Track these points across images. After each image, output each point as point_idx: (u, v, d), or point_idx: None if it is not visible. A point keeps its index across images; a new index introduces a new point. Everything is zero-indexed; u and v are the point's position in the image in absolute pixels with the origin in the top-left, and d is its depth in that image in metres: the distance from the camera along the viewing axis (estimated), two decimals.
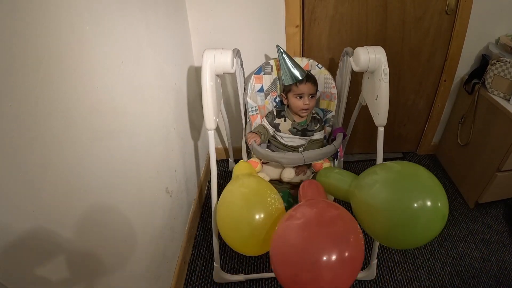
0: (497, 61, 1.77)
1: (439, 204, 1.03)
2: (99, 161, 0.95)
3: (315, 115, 1.79)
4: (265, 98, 1.83)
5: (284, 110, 1.77)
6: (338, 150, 1.61)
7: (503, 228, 1.93)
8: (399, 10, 1.86)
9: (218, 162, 1.54)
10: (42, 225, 0.72)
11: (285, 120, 1.75)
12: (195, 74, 2.01)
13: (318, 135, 1.77)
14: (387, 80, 1.38)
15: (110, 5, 1.02)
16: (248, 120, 1.79)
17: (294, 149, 1.77)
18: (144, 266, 1.27)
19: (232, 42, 1.90)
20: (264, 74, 1.78)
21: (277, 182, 1.75)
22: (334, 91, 1.76)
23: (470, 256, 1.78)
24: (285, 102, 1.77)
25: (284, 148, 1.77)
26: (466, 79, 2.02)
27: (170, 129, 1.55)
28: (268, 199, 1.26)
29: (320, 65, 1.77)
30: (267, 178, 1.71)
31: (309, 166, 1.73)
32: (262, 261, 1.76)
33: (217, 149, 1.48)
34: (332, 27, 1.91)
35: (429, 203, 1.02)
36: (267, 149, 1.68)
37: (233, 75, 1.87)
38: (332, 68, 1.98)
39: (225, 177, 2.31)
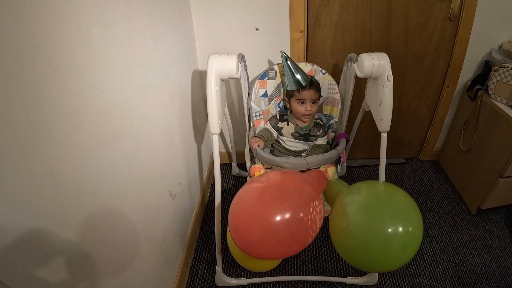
0: (500, 67, 1.78)
1: (411, 229, 0.99)
2: (104, 163, 0.96)
3: (318, 120, 1.79)
4: (269, 103, 1.84)
5: (287, 114, 1.78)
6: (341, 155, 1.61)
7: (505, 234, 1.93)
8: (403, 16, 1.87)
9: (221, 166, 1.54)
10: (46, 226, 0.73)
11: (288, 124, 1.76)
12: (199, 78, 2.02)
13: (321, 141, 1.77)
14: (391, 86, 1.38)
15: (117, 9, 1.03)
16: (251, 125, 1.80)
17: (297, 154, 1.77)
18: (146, 269, 1.28)
19: (236, 47, 1.92)
20: (268, 79, 1.79)
21: None
22: (338, 96, 1.77)
23: (472, 262, 1.78)
24: (288, 106, 1.78)
25: (287, 153, 1.77)
26: (469, 85, 2.03)
27: (174, 132, 1.56)
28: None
29: (324, 71, 1.78)
30: None
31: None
32: None
33: (220, 153, 1.48)
34: (336, 32, 1.92)
35: (400, 228, 0.98)
36: (270, 154, 1.69)
37: (237, 80, 1.89)
38: (336, 73, 1.99)
39: (228, 181, 2.32)
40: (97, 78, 0.92)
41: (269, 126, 1.78)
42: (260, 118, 1.82)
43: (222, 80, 1.47)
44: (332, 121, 1.83)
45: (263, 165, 1.72)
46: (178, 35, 1.65)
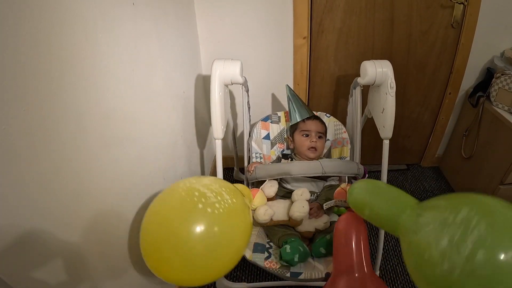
0: (502, 74, 1.78)
1: None
2: (108, 166, 0.97)
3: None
4: (271, 148, 1.79)
5: (291, 154, 1.72)
6: (365, 170, 1.49)
7: None
8: (406, 24, 1.88)
9: (223, 170, 1.55)
10: (49, 227, 0.73)
11: (292, 161, 1.67)
12: (202, 83, 2.03)
13: (334, 181, 1.64)
14: (394, 93, 1.39)
15: (123, 14, 1.04)
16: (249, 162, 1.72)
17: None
18: (147, 271, 1.28)
19: (240, 52, 1.93)
20: (271, 122, 1.77)
21: (285, 228, 1.45)
22: (346, 135, 1.74)
23: None
24: (291, 146, 1.74)
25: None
26: (470, 92, 2.03)
27: (177, 136, 1.56)
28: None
29: (328, 114, 1.78)
30: (270, 211, 1.40)
31: (326, 209, 1.44)
32: (265, 270, 1.76)
33: (222, 158, 1.49)
34: (339, 39, 1.93)
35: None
36: (272, 163, 1.64)
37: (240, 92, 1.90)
38: (339, 80, 2.01)
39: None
40: (102, 82, 0.93)
41: None
42: (260, 160, 1.71)
43: (226, 85, 1.48)
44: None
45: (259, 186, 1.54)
46: (183, 40, 1.67)
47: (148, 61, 1.24)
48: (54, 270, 0.77)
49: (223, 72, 1.40)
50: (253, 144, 1.72)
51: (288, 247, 1.27)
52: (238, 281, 1.71)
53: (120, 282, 1.08)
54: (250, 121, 1.79)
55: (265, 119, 1.77)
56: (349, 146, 1.73)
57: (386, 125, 1.44)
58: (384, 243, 1.83)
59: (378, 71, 1.41)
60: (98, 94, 0.90)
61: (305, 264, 1.31)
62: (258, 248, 1.39)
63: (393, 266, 1.78)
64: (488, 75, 1.95)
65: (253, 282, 1.70)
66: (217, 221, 0.91)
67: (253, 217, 1.35)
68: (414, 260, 0.76)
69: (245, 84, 1.58)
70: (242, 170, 2.22)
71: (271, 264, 1.32)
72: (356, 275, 1.08)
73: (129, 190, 1.12)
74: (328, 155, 1.79)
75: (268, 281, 1.70)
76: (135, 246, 1.18)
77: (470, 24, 1.86)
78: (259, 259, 1.34)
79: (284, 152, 1.77)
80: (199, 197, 0.92)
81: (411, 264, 0.78)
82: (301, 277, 1.25)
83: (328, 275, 1.23)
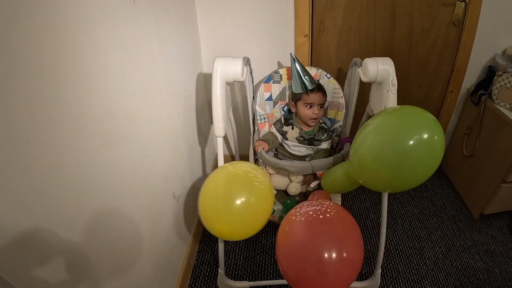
0: (504, 72, 1.78)
1: (436, 137, 1.02)
2: (109, 165, 0.97)
3: (322, 124, 1.79)
4: (274, 107, 1.84)
5: (292, 118, 1.77)
6: (346, 159, 1.61)
7: (508, 240, 1.92)
8: (407, 22, 1.88)
9: None
10: (49, 226, 0.73)
11: (292, 128, 1.75)
12: (203, 81, 2.03)
13: (325, 145, 1.76)
14: (395, 91, 1.39)
15: (124, 12, 1.04)
16: (256, 128, 1.80)
17: (301, 158, 1.77)
18: (149, 270, 1.28)
19: (241, 50, 1.93)
20: (273, 82, 1.79)
21: (283, 193, 1.76)
22: (342, 101, 1.77)
23: (474, 267, 1.78)
24: (293, 110, 1.78)
25: (291, 157, 1.77)
26: (472, 90, 2.03)
27: (178, 135, 1.56)
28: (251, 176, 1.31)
29: (328, 75, 1.78)
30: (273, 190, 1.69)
31: (315, 176, 1.72)
32: (267, 268, 1.77)
33: (224, 156, 1.49)
34: (340, 37, 1.93)
35: (424, 136, 1.02)
36: (275, 158, 1.68)
37: (241, 83, 1.89)
38: (340, 77, 2.00)
39: None
40: (103, 80, 0.93)
41: (273, 130, 1.78)
42: (264, 121, 1.82)
43: (227, 83, 1.48)
44: (336, 125, 1.83)
45: (266, 168, 1.72)
46: (184, 38, 1.66)
47: (149, 59, 1.24)
48: (55, 269, 0.77)
49: (225, 70, 1.40)
50: (257, 108, 1.78)
51: (284, 215, 1.46)
52: (240, 280, 1.71)
53: (121, 281, 1.08)
54: (254, 115, 1.80)
55: (267, 80, 1.78)
56: (343, 111, 1.78)
57: None
58: (385, 242, 1.84)
59: (379, 68, 1.41)
60: (99, 91, 0.90)
61: None
62: None
63: (394, 265, 1.78)
64: (490, 73, 1.94)
65: (254, 280, 1.70)
66: (265, 194, 1.31)
67: None
68: (367, 169, 1.14)
69: (248, 75, 1.60)
70: None
71: (274, 217, 1.66)
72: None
73: (131, 189, 1.12)
74: (325, 114, 1.86)
75: (269, 279, 1.70)
76: (137, 244, 1.18)
77: (472, 22, 1.85)
78: None
79: (285, 117, 1.81)
80: (253, 176, 1.31)
81: (366, 175, 1.17)
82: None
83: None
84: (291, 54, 1.63)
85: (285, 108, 1.88)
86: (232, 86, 2.07)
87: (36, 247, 0.70)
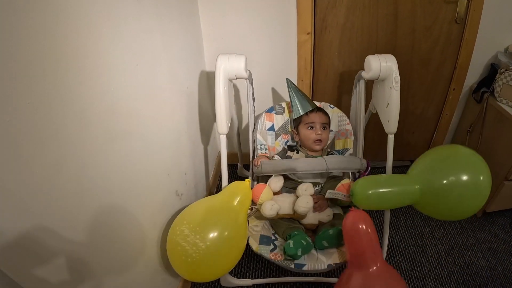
0: (506, 70, 1.78)
1: (481, 178, 1.18)
2: (112, 161, 0.96)
3: (331, 152, 1.70)
4: (276, 139, 1.79)
5: (296, 146, 1.72)
6: (368, 163, 1.51)
7: (510, 238, 1.92)
8: (409, 19, 1.88)
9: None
10: (52, 223, 0.73)
11: (297, 153, 1.68)
12: (206, 79, 2.03)
13: (338, 173, 1.61)
14: (398, 88, 1.39)
15: (127, 9, 1.04)
16: (255, 158, 1.68)
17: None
18: (152, 268, 1.28)
19: (243, 48, 1.93)
20: (275, 113, 1.77)
21: (289, 221, 1.49)
22: (349, 127, 1.74)
23: (476, 265, 1.78)
24: (296, 139, 1.74)
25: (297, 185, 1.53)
26: (474, 88, 2.03)
27: (181, 132, 1.56)
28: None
29: (332, 106, 1.78)
30: (276, 206, 1.42)
31: (330, 201, 1.51)
32: (270, 266, 1.76)
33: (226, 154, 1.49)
34: (343, 35, 1.93)
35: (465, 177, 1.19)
36: (278, 159, 1.64)
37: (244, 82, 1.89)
38: (343, 77, 2.01)
39: (233, 181, 2.31)
40: (106, 76, 0.93)
41: (277, 157, 1.66)
42: (265, 152, 1.72)
43: (230, 80, 1.48)
44: (346, 154, 1.73)
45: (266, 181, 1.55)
46: (186, 36, 1.66)
47: (152, 57, 1.24)
48: (58, 266, 0.77)
49: (228, 67, 1.40)
50: (258, 136, 1.72)
51: (291, 242, 1.32)
52: (242, 277, 1.71)
53: (124, 278, 1.08)
54: (254, 112, 1.78)
55: (270, 110, 1.77)
56: (352, 137, 1.73)
57: (391, 120, 1.44)
58: (388, 239, 1.83)
59: (382, 65, 1.41)
60: (102, 88, 0.90)
61: (308, 256, 1.36)
62: (264, 240, 1.43)
63: (398, 262, 1.78)
64: (492, 71, 1.94)
65: (257, 278, 1.70)
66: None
67: (260, 211, 1.44)
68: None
69: (249, 77, 1.58)
70: (245, 166, 2.22)
71: (276, 256, 1.36)
72: (371, 269, 1.15)
73: (134, 186, 1.11)
74: (332, 146, 1.79)
75: (271, 277, 1.70)
76: (139, 242, 1.18)
77: (474, 19, 1.85)
78: (265, 251, 1.38)
79: (289, 144, 1.77)
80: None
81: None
82: (305, 268, 1.31)
83: (330, 266, 1.30)
84: (287, 79, 1.63)
85: (288, 143, 1.82)
86: (235, 85, 2.07)
87: (38, 244, 0.70)
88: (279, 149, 1.79)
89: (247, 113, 1.71)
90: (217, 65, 1.39)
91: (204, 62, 2.01)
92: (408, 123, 2.27)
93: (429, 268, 1.75)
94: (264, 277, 1.71)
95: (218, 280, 1.67)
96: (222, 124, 1.43)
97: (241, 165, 2.28)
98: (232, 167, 2.41)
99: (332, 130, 1.74)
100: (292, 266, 1.32)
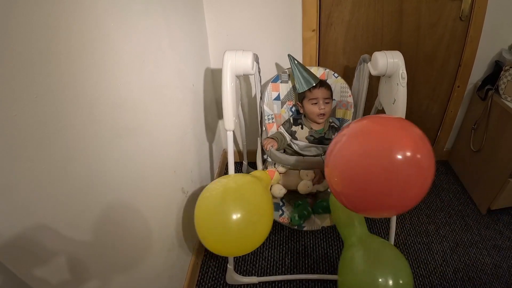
0: (510, 67, 1.78)
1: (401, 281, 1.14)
2: (118, 157, 0.96)
3: (332, 124, 1.78)
4: (282, 107, 1.83)
5: (301, 119, 1.77)
6: None
7: None
8: (414, 16, 1.88)
9: None
10: (60, 219, 0.72)
11: (302, 128, 1.75)
12: (211, 76, 2.03)
13: None
14: (405, 84, 1.39)
15: (135, 4, 1.04)
16: (264, 129, 1.79)
17: None
18: (158, 265, 1.28)
19: (248, 45, 1.93)
20: (281, 82, 1.78)
21: (293, 194, 1.75)
22: (351, 99, 1.76)
23: (482, 262, 1.77)
24: (301, 111, 1.78)
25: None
26: (479, 85, 2.03)
27: (187, 129, 1.56)
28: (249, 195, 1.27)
29: (336, 74, 1.78)
30: (284, 190, 1.71)
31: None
32: (275, 264, 1.76)
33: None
34: (348, 32, 1.93)
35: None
36: (285, 154, 1.68)
37: (249, 79, 1.89)
38: (347, 73, 2.01)
39: None
40: (113, 72, 0.92)
41: (282, 130, 1.77)
42: (272, 121, 1.80)
43: (237, 76, 1.48)
44: (345, 125, 1.79)
45: (275, 166, 1.72)
46: (192, 33, 1.66)
47: (158, 53, 1.24)
48: (63, 262, 0.76)
49: (235, 63, 1.40)
50: (265, 108, 1.78)
51: (296, 216, 1.62)
52: (248, 275, 1.71)
53: (130, 276, 1.08)
54: (262, 115, 1.79)
55: (275, 79, 1.79)
56: (352, 110, 1.78)
57: (397, 116, 1.43)
58: (394, 236, 1.83)
59: (389, 61, 1.41)
60: (109, 83, 0.90)
61: (307, 220, 1.66)
62: (274, 207, 1.66)
63: None
64: (497, 68, 1.94)
65: (263, 276, 1.70)
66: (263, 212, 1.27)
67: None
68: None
69: (257, 73, 1.59)
70: (251, 164, 2.22)
71: (283, 219, 1.67)
72: None
73: (141, 183, 1.11)
74: (333, 114, 1.85)
75: (277, 275, 1.70)
76: (146, 239, 1.18)
77: (479, 16, 1.85)
78: (275, 216, 1.64)
79: (294, 117, 1.81)
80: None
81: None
82: (304, 228, 1.63)
83: (323, 227, 1.63)
84: (289, 55, 1.64)
85: (293, 109, 1.87)
86: (240, 82, 2.07)
87: (44, 240, 0.69)
88: (285, 116, 1.86)
89: (250, 112, 1.71)
90: (224, 62, 1.39)
91: (209, 59, 2.01)
92: (412, 120, 2.21)
93: (434, 266, 1.75)
94: (270, 275, 1.71)
95: (224, 278, 1.67)
96: (229, 121, 1.42)
97: (246, 163, 2.28)
98: (237, 164, 2.41)
99: (334, 99, 1.79)
100: (295, 227, 1.63)
